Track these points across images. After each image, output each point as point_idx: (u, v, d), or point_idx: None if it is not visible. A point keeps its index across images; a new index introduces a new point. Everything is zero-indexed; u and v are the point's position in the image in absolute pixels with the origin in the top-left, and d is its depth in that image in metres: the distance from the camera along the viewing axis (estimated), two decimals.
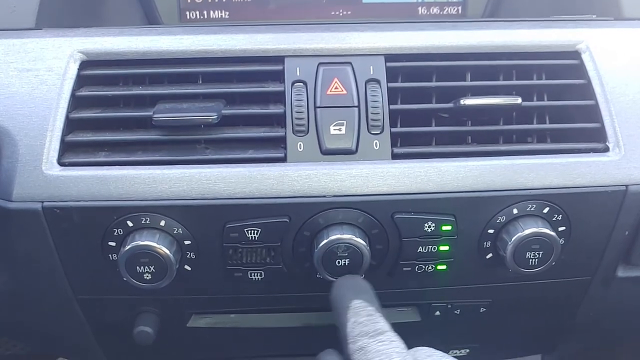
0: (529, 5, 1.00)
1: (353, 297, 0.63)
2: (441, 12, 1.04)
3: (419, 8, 1.04)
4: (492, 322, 0.81)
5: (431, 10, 1.04)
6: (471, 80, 0.73)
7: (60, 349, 0.90)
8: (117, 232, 0.67)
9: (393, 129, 0.69)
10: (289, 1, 1.03)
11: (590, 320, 0.83)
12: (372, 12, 1.04)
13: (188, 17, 1.02)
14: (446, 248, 0.70)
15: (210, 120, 0.67)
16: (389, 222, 0.68)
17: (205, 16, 1.03)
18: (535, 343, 0.90)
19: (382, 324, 0.60)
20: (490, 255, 0.72)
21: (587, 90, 0.73)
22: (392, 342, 0.58)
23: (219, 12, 1.03)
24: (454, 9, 1.05)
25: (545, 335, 0.87)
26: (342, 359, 0.63)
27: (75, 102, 0.70)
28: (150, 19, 1.01)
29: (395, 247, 0.70)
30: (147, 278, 0.66)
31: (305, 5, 1.03)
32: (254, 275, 0.70)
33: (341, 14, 1.04)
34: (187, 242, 0.68)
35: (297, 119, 0.69)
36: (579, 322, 0.83)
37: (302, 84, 0.70)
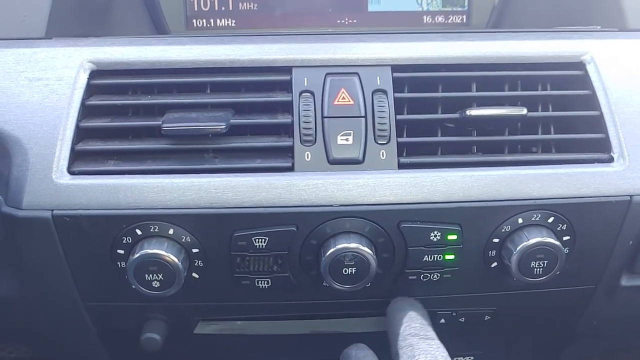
0: (534, 14, 1.01)
1: (410, 310, 0.69)
2: (446, 21, 1.05)
3: (424, 17, 1.05)
4: (496, 330, 0.82)
5: (436, 19, 1.05)
6: (477, 91, 0.74)
7: (67, 355, 0.91)
8: (126, 240, 0.68)
9: (399, 139, 0.70)
10: (295, 10, 1.04)
11: (594, 329, 0.83)
12: (377, 20, 1.04)
13: (195, 24, 1.03)
14: (451, 257, 0.71)
15: (219, 129, 0.68)
16: (395, 231, 0.69)
17: (212, 24, 1.03)
18: (539, 351, 0.91)
19: (433, 333, 0.63)
20: (495, 264, 0.72)
21: (591, 101, 0.73)
22: (439, 348, 0.60)
23: (226, 20, 1.03)
24: (459, 17, 1.05)
25: (549, 342, 0.87)
26: (371, 351, 0.64)
27: (85, 111, 0.71)
28: (157, 27, 1.02)
29: (401, 256, 0.70)
30: (156, 286, 0.67)
31: (311, 13, 1.04)
32: (261, 283, 0.71)
33: (347, 22, 1.04)
34: (195, 250, 0.69)
35: (304, 128, 0.69)
36: (582, 330, 0.83)
37: (309, 94, 0.71)
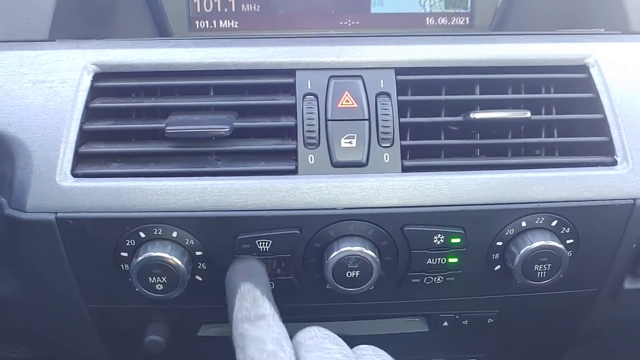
0: (537, 16, 1.01)
1: (242, 280, 0.63)
2: (449, 23, 1.05)
3: (427, 18, 1.05)
4: (499, 333, 0.82)
5: (439, 21, 1.05)
6: (480, 94, 0.74)
7: (69, 356, 0.91)
8: (130, 243, 0.68)
9: (403, 142, 0.70)
10: (298, 11, 1.04)
11: (597, 331, 0.83)
12: (380, 22, 1.04)
13: (198, 26, 1.03)
14: (455, 260, 0.71)
15: (223, 132, 0.67)
16: (398, 235, 0.69)
17: (215, 26, 1.03)
18: (541, 353, 0.91)
19: (265, 307, 0.59)
20: (498, 267, 0.72)
21: (595, 104, 0.73)
22: (270, 327, 0.57)
23: (229, 21, 1.03)
24: (462, 19, 1.05)
25: (551, 345, 0.88)
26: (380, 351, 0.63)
27: (89, 113, 0.71)
28: (160, 28, 1.02)
29: (405, 259, 0.70)
30: (159, 288, 0.67)
31: (313, 15, 1.04)
32: None
33: (350, 24, 1.04)
34: (198, 253, 0.69)
35: (308, 131, 0.69)
36: (585, 333, 0.83)
37: (313, 96, 0.71)
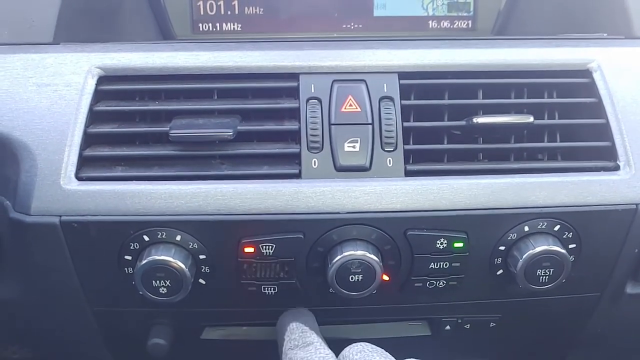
0: (539, 20, 1.01)
1: (291, 322, 0.68)
2: (451, 26, 1.05)
3: (430, 22, 1.05)
4: (501, 337, 0.82)
5: (441, 24, 1.05)
6: (483, 98, 0.74)
7: (73, 359, 0.91)
8: (134, 247, 0.68)
9: (406, 146, 0.70)
10: (301, 14, 1.04)
11: (599, 336, 0.84)
12: (383, 25, 1.05)
13: (201, 29, 1.04)
14: (457, 264, 0.71)
15: (227, 136, 0.68)
16: (401, 239, 0.69)
17: (218, 28, 1.04)
18: (543, 357, 0.91)
19: (313, 337, 0.62)
20: (500, 271, 0.72)
21: (598, 109, 0.73)
22: (318, 350, 0.59)
23: (232, 24, 1.04)
24: (464, 23, 1.05)
25: (553, 349, 0.88)
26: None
27: (93, 117, 0.71)
28: (163, 31, 1.02)
29: (408, 263, 0.71)
30: (163, 292, 0.67)
31: (316, 18, 1.04)
32: (268, 290, 0.71)
33: (352, 27, 1.05)
34: (202, 257, 0.69)
35: (311, 135, 0.70)
36: (587, 337, 0.84)
37: (316, 100, 0.71)
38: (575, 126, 0.74)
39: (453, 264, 0.70)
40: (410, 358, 0.57)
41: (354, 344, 0.59)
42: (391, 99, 0.71)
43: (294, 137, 0.71)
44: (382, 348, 0.70)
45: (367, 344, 0.59)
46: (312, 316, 0.71)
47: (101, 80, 0.72)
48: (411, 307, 0.77)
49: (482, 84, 0.74)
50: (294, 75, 0.73)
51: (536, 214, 0.69)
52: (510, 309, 0.77)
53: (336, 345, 0.78)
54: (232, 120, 0.70)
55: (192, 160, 0.70)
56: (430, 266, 0.70)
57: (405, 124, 0.71)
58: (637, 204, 0.70)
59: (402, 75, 0.73)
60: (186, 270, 0.67)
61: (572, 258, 0.70)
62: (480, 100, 0.73)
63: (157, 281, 0.67)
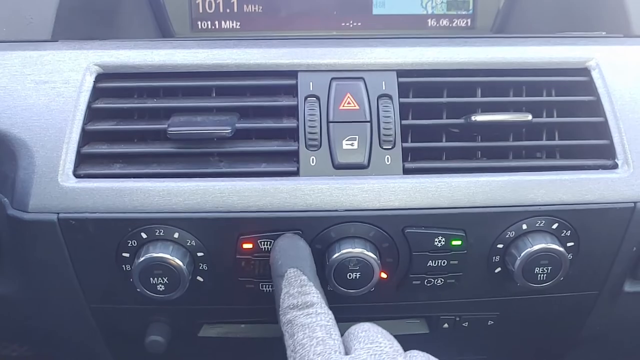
0: (538, 18, 1.01)
1: (289, 265, 0.64)
2: (450, 24, 1.05)
3: (429, 20, 1.05)
4: (499, 335, 0.82)
5: (440, 23, 1.05)
6: (482, 96, 0.74)
7: (71, 355, 0.91)
8: (131, 244, 0.68)
9: (404, 144, 0.70)
10: (300, 12, 1.04)
11: (597, 334, 0.84)
12: (382, 23, 1.05)
13: (200, 27, 1.04)
14: (455, 262, 0.71)
15: (225, 133, 0.68)
16: (399, 237, 0.69)
17: (217, 26, 1.04)
18: (542, 355, 0.91)
19: (312, 295, 0.60)
20: (499, 269, 0.72)
21: (596, 107, 0.73)
22: (319, 315, 0.58)
23: (230, 22, 1.04)
24: (464, 21, 1.05)
25: (552, 347, 0.88)
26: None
27: (91, 114, 0.71)
28: (162, 28, 1.02)
29: (406, 261, 0.71)
30: (160, 289, 0.67)
31: (315, 16, 1.04)
32: (266, 287, 0.71)
33: (351, 25, 1.05)
34: (200, 254, 0.69)
35: (309, 133, 0.70)
36: (585, 336, 0.84)
37: (315, 98, 0.71)
38: (573, 124, 0.74)
39: (451, 262, 0.70)
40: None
41: (361, 323, 0.59)
42: (389, 96, 0.71)
43: (292, 134, 0.71)
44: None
45: (373, 324, 0.59)
46: (309, 254, 0.67)
47: (99, 77, 0.72)
48: (409, 304, 0.77)
49: (481, 82, 0.74)
50: (292, 73, 0.73)
51: (534, 212, 0.69)
52: (508, 307, 0.77)
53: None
54: (230, 117, 0.70)
55: (190, 157, 0.70)
56: (429, 264, 0.70)
57: (404, 121, 0.71)
58: (635, 202, 0.70)
59: (401, 73, 0.73)
60: (184, 267, 0.67)
61: (570, 256, 0.70)
62: (478, 98, 0.73)
63: (155, 278, 0.67)
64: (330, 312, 0.60)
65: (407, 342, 0.65)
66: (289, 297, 0.61)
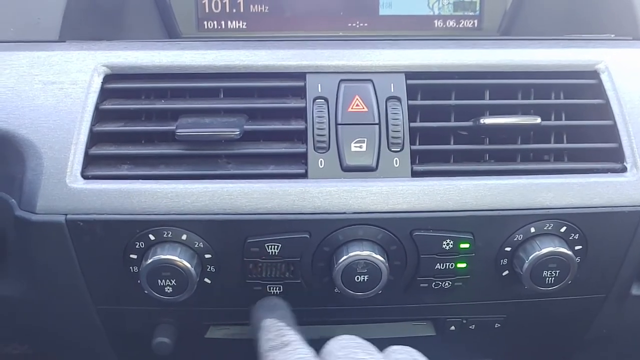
0: (545, 20, 1.00)
1: (266, 316, 0.65)
2: (457, 26, 1.05)
3: (435, 21, 1.05)
4: (506, 338, 0.82)
5: (447, 24, 1.05)
6: (490, 99, 0.73)
7: (77, 357, 0.91)
8: (139, 245, 0.68)
9: (413, 147, 0.70)
10: (306, 13, 1.03)
11: (604, 337, 0.84)
12: (388, 24, 1.04)
13: (206, 27, 1.03)
14: (463, 265, 0.71)
15: (233, 135, 0.68)
16: (407, 239, 0.69)
17: (223, 26, 1.03)
18: (548, 358, 0.91)
19: (290, 336, 0.60)
20: (506, 272, 0.72)
21: (605, 110, 0.73)
22: (297, 350, 0.58)
23: (237, 22, 1.03)
24: (470, 22, 1.05)
25: (558, 350, 0.88)
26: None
27: (99, 115, 0.71)
28: (168, 28, 1.02)
29: (413, 264, 0.71)
30: (168, 291, 0.67)
31: (322, 16, 1.04)
32: (273, 289, 0.71)
33: (358, 26, 1.04)
34: (207, 256, 0.69)
35: (318, 135, 0.69)
36: (592, 338, 0.83)
37: (323, 100, 0.71)
38: (582, 127, 0.74)
39: (459, 265, 0.70)
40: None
41: (338, 337, 0.58)
42: (398, 99, 0.71)
43: (300, 136, 0.71)
44: (385, 348, 0.70)
45: (351, 337, 0.58)
46: (285, 307, 0.69)
47: (107, 78, 0.72)
48: (416, 307, 0.76)
49: (489, 84, 0.74)
50: (300, 75, 0.72)
51: (542, 215, 0.69)
52: (515, 309, 0.77)
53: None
54: (238, 119, 0.70)
55: (198, 159, 0.70)
56: (436, 267, 0.70)
57: (412, 124, 0.71)
58: None
59: (409, 75, 0.72)
60: (192, 269, 0.66)
61: (578, 259, 0.70)
62: (487, 101, 0.73)
63: (163, 280, 0.66)
64: (310, 348, 0.59)
65: (414, 345, 0.65)
66: (267, 341, 0.61)
